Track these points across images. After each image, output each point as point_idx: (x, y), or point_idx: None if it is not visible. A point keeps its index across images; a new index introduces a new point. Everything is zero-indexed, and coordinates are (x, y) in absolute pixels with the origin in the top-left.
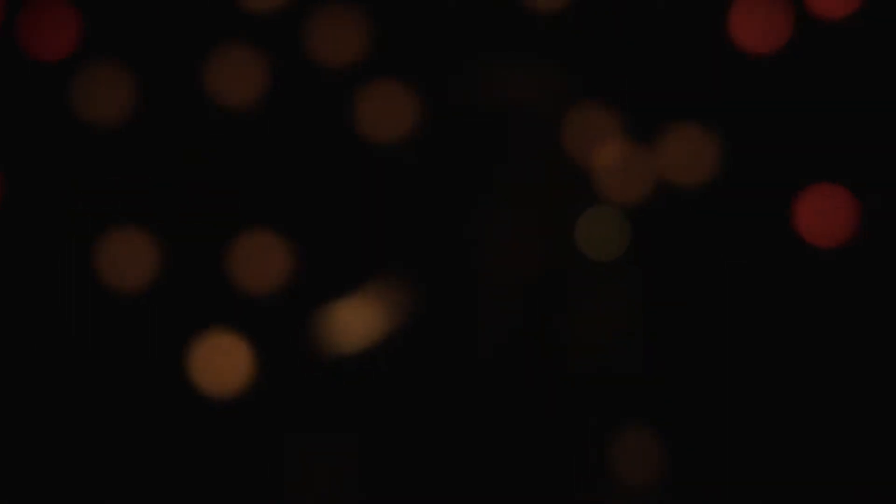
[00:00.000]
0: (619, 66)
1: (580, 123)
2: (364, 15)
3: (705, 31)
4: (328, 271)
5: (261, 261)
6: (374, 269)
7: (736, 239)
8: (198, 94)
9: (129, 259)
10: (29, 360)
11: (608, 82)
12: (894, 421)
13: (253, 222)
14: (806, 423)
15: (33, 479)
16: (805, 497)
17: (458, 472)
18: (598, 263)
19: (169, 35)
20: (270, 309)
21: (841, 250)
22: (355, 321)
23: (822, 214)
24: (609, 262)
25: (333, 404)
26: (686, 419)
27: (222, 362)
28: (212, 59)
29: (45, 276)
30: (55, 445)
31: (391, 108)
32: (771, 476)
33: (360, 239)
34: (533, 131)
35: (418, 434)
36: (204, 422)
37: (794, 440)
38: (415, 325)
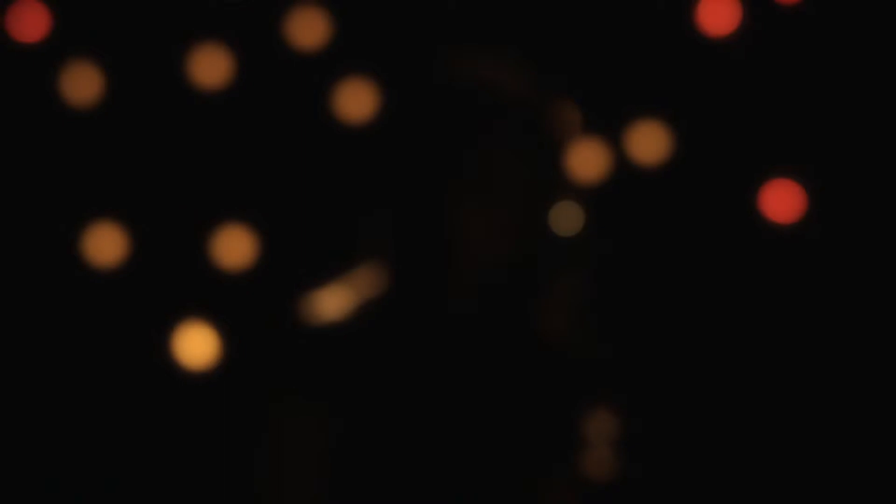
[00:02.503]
0: (588, 51)
1: (550, 111)
2: (337, 2)
3: (671, 16)
4: (301, 254)
5: (236, 244)
6: (347, 253)
7: (697, 220)
8: (173, 81)
9: (105, 242)
10: (11, 345)
11: (576, 68)
12: (848, 373)
13: (228, 208)
14: (769, 394)
15: (13, 456)
16: (767, 474)
17: (428, 453)
18: (565, 244)
19: (144, 23)
20: (245, 290)
21: (795, 226)
22: (328, 304)
23: (779, 194)
24: (574, 242)
25: (307, 378)
26: (652, 396)
27: (197, 342)
28: (187, 47)
29: (24, 258)
30: (44, 430)
31: (363, 95)
32: (733, 453)
33: (333, 222)
34: (504, 119)
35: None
36: (183, 398)
37: (760, 411)
38: (386, 307)
